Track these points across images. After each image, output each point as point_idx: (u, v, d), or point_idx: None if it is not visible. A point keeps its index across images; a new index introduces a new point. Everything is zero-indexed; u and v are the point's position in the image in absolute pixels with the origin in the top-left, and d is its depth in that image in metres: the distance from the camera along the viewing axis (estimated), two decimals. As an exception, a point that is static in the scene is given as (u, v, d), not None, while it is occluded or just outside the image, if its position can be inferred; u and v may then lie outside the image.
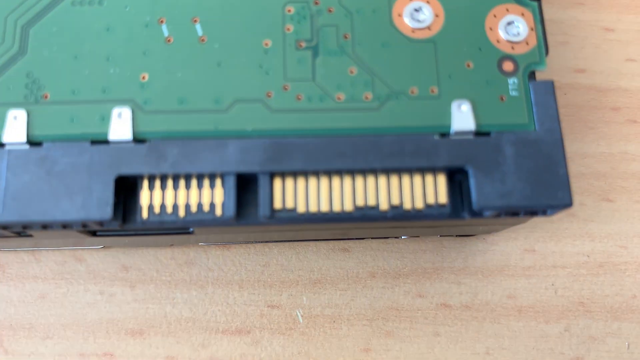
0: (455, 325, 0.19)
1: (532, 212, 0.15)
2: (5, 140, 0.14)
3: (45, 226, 0.14)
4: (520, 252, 0.20)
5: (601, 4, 0.23)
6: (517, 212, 0.14)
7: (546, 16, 0.22)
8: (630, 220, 0.20)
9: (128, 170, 0.14)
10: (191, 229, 0.16)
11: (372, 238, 0.20)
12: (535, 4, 0.16)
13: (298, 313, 0.19)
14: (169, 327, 0.19)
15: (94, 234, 0.16)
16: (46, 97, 0.15)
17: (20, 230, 0.15)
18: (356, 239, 0.20)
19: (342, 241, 0.20)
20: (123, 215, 0.14)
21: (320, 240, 0.20)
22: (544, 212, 0.15)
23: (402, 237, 0.19)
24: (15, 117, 0.14)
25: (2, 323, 0.19)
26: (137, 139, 0.14)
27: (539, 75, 0.16)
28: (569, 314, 0.19)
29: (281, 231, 0.17)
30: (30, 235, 0.16)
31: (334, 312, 0.19)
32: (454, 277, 0.20)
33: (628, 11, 0.23)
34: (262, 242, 0.19)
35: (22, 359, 0.19)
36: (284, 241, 0.19)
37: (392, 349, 0.19)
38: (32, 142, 0.14)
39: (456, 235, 0.20)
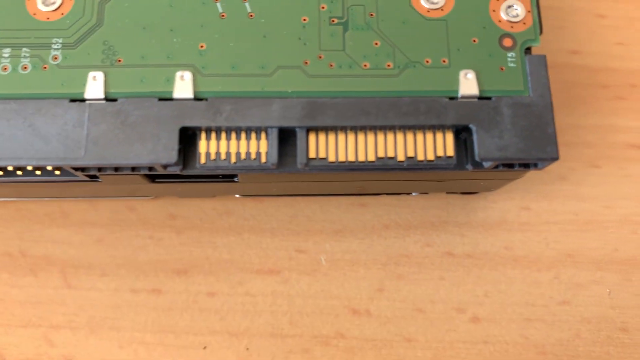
0: (458, 271, 0.22)
1: (525, 165, 0.17)
2: (86, 96, 0.17)
3: (117, 169, 0.17)
4: (517, 209, 0.23)
5: (595, -7, 0.25)
6: (512, 164, 0.17)
7: (545, 3, 0.25)
8: (614, 184, 0.23)
9: (190, 122, 0.17)
10: (236, 178, 0.19)
11: (386, 194, 0.22)
12: (532, -10, 0.18)
13: (322, 257, 0.22)
14: (210, 267, 0.22)
15: (153, 180, 0.19)
16: (120, 61, 0.17)
17: (94, 174, 0.18)
18: (372, 194, 0.22)
19: (360, 197, 0.23)
20: (184, 160, 0.17)
21: (342, 195, 0.22)
22: (535, 165, 0.17)
23: (413, 194, 0.22)
24: (94, 77, 0.17)
25: (66, 262, 0.22)
26: (197, 98, 0.17)
27: (535, 51, 0.18)
28: (558, 264, 0.22)
29: (309, 181, 0.19)
30: (98, 180, 0.19)
31: (352, 257, 0.22)
32: (457, 230, 0.22)
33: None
34: (291, 195, 0.22)
35: (82, 292, 0.21)
36: (310, 195, 0.22)
37: (403, 290, 0.22)
38: (109, 99, 0.17)
39: (461, 193, 0.22)
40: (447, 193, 0.22)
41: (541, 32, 0.18)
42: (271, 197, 0.22)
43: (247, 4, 0.18)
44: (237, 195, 0.22)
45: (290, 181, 0.19)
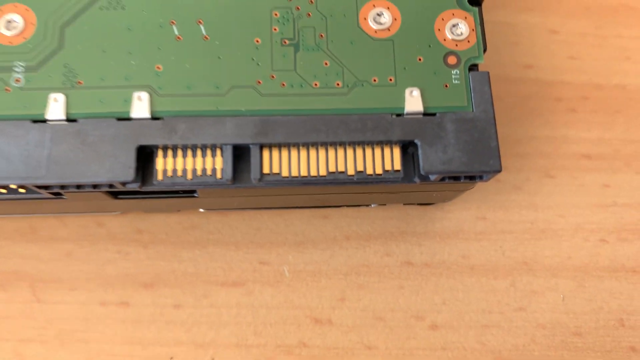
0: (416, 279, 0.23)
1: (471, 177, 0.18)
2: (48, 117, 0.18)
3: (79, 186, 0.18)
4: (473, 219, 0.23)
5: (548, 9, 0.26)
6: (458, 176, 0.18)
7: (499, 19, 0.26)
8: (568, 193, 0.24)
9: (146, 141, 0.17)
10: (196, 194, 0.19)
11: (347, 206, 0.23)
12: (476, 9, 0.19)
13: (285, 269, 0.23)
14: (176, 281, 0.22)
15: (116, 196, 0.20)
16: (80, 83, 0.18)
17: (58, 191, 0.18)
18: (334, 207, 0.23)
19: (322, 209, 0.23)
20: (142, 177, 0.18)
21: (304, 208, 0.23)
22: (480, 177, 0.18)
23: (372, 206, 0.23)
24: (55, 99, 0.18)
25: (35, 277, 0.22)
26: (154, 117, 0.18)
27: (481, 67, 0.19)
28: (514, 272, 0.23)
29: (269, 195, 0.20)
30: (63, 197, 0.19)
31: (314, 268, 0.23)
32: (416, 240, 0.23)
33: (572, 16, 0.26)
34: (254, 208, 0.23)
35: (52, 306, 0.22)
36: (273, 208, 0.23)
37: (364, 299, 0.22)
38: (69, 119, 0.18)
39: (418, 204, 0.23)
40: (405, 204, 0.23)
41: (485, 49, 0.19)
42: (235, 211, 0.23)
43: (202, 27, 0.19)
44: (201, 210, 0.23)
45: (249, 195, 0.20)
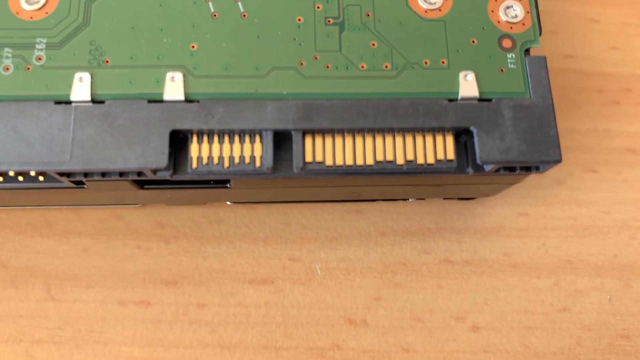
0: (456, 278, 0.21)
1: (527, 168, 0.17)
2: (72, 98, 0.16)
3: (104, 174, 0.16)
4: (515, 215, 0.22)
5: (588, -3, 0.25)
6: (514, 167, 0.17)
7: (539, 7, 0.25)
8: (612, 189, 0.23)
9: (180, 125, 0.16)
10: (228, 184, 0.18)
11: (382, 200, 0.22)
12: (531, -10, 0.18)
13: (316, 266, 0.21)
14: (200, 278, 0.21)
15: (142, 186, 0.18)
16: (107, 62, 0.17)
17: (80, 179, 0.17)
18: (368, 201, 0.22)
19: (355, 203, 0.22)
20: (174, 165, 0.16)
21: (336, 201, 0.22)
22: (537, 169, 0.17)
23: (409, 200, 0.22)
24: (80, 79, 0.16)
25: (49, 273, 0.21)
26: (188, 99, 0.16)
27: (534, 52, 0.18)
28: (557, 270, 0.22)
29: (307, 187, 0.19)
30: (84, 187, 0.18)
31: (348, 265, 0.21)
32: (455, 236, 0.22)
33: (612, 4, 0.25)
34: (284, 202, 0.22)
35: (67, 305, 0.21)
36: (304, 201, 0.22)
37: (400, 299, 0.21)
38: (96, 101, 0.16)
39: (458, 199, 0.22)
40: (444, 199, 0.22)
41: (540, 33, 0.18)
42: (263, 204, 0.22)
43: (240, 4, 0.17)
44: (228, 203, 0.21)
45: (285, 187, 0.19)
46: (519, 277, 0.22)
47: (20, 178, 0.17)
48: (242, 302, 0.21)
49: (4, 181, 0.17)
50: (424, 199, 0.22)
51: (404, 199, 0.22)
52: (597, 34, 0.25)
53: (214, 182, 0.18)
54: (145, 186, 0.18)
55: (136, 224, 0.22)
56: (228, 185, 0.18)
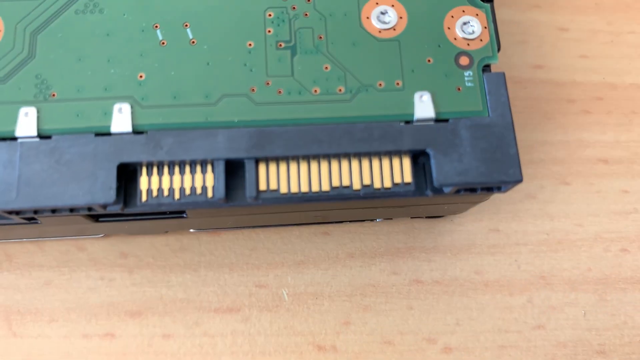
0: (427, 299, 0.21)
1: (488, 188, 0.16)
2: (18, 134, 0.16)
3: (54, 210, 0.16)
4: (486, 231, 0.22)
5: (556, 5, 0.25)
6: (474, 188, 0.16)
7: (506, 18, 0.24)
8: (585, 201, 0.22)
9: (128, 158, 0.16)
10: (185, 214, 0.18)
11: (349, 221, 0.21)
12: (488, 5, 0.18)
13: (284, 292, 0.21)
14: (164, 308, 0.21)
15: (96, 219, 0.18)
16: (54, 95, 0.16)
17: (31, 216, 0.17)
18: (335, 222, 0.21)
19: (322, 225, 0.22)
20: (124, 199, 0.16)
21: (303, 224, 0.21)
22: (498, 188, 0.16)
23: (377, 220, 0.21)
24: (26, 114, 0.16)
25: (11, 308, 0.20)
26: (136, 131, 0.16)
27: (494, 68, 0.18)
28: (530, 287, 0.21)
29: (266, 213, 0.18)
30: (38, 222, 0.18)
31: (316, 289, 0.21)
32: (424, 256, 0.21)
33: (580, 12, 0.25)
34: (249, 227, 0.21)
35: (30, 341, 0.20)
36: (270, 226, 0.21)
37: (370, 322, 0.21)
38: (42, 136, 0.16)
39: (426, 217, 0.21)
40: (412, 218, 0.21)
41: (499, 48, 0.17)
42: (228, 230, 0.21)
43: (188, 30, 0.17)
44: (191, 230, 0.21)
45: (244, 214, 0.18)
46: (491, 296, 0.21)
47: (-30, 216, 0.17)
48: (208, 331, 0.20)
49: (-47, 220, 0.17)
50: (391, 218, 0.21)
51: (372, 220, 0.21)
52: (566, 42, 0.24)
53: (170, 213, 0.18)
54: (100, 219, 0.18)
55: (99, 254, 0.21)
56: (185, 215, 0.18)
